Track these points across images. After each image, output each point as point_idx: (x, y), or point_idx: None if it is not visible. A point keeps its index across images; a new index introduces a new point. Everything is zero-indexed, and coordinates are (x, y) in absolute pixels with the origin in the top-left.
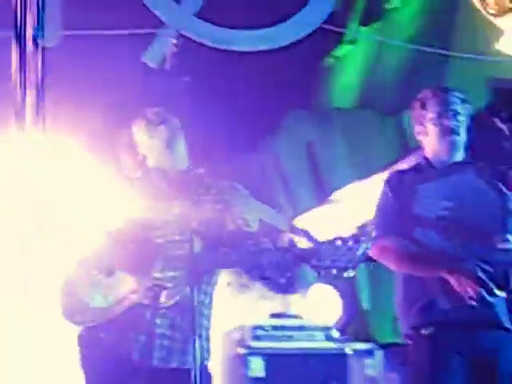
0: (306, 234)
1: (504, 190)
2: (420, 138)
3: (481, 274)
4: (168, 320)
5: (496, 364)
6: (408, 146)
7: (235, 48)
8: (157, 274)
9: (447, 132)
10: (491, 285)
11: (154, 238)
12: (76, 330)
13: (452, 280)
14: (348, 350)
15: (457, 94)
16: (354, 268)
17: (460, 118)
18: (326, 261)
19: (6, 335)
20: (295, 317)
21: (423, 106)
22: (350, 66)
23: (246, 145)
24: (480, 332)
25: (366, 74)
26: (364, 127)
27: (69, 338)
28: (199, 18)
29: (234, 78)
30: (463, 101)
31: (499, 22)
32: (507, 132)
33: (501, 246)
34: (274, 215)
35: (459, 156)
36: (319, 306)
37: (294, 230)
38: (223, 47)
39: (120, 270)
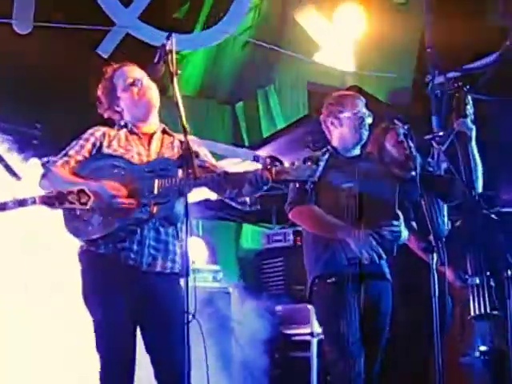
0: (272, 157)
1: (395, 180)
2: (331, 128)
3: (374, 242)
4: (154, 233)
5: (379, 304)
6: (239, 130)
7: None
8: (151, 194)
9: (360, 127)
10: (380, 250)
11: (145, 171)
12: (77, 247)
13: (351, 243)
14: (230, 289)
15: (363, 99)
16: (312, 181)
17: (366, 118)
18: (291, 176)
19: (6, 335)
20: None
21: (341, 105)
22: (194, 62)
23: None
24: (368, 281)
25: (206, 69)
26: (205, 113)
27: (68, 338)
28: (142, 21)
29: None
30: (367, 106)
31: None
32: (405, 131)
33: (387, 228)
34: (237, 150)
35: (359, 149)
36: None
37: (260, 158)
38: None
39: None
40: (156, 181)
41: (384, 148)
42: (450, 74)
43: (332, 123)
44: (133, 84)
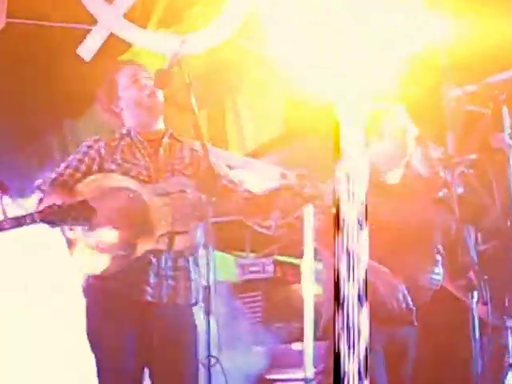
0: (301, 176)
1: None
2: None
3: (406, 292)
4: (172, 261)
5: (405, 351)
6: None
7: (157, 49)
8: (169, 223)
9: (404, 139)
10: (410, 302)
11: (157, 193)
12: (81, 280)
13: (381, 287)
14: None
15: (402, 107)
16: None
17: (410, 129)
18: (327, 199)
19: (6, 335)
20: None
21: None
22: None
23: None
24: (394, 326)
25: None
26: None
27: (68, 338)
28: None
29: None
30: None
31: None
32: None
33: (427, 275)
34: (259, 164)
35: (401, 168)
36: None
37: (288, 177)
38: (147, 48)
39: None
40: (172, 207)
41: (409, 164)
42: (468, 88)
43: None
44: (136, 82)
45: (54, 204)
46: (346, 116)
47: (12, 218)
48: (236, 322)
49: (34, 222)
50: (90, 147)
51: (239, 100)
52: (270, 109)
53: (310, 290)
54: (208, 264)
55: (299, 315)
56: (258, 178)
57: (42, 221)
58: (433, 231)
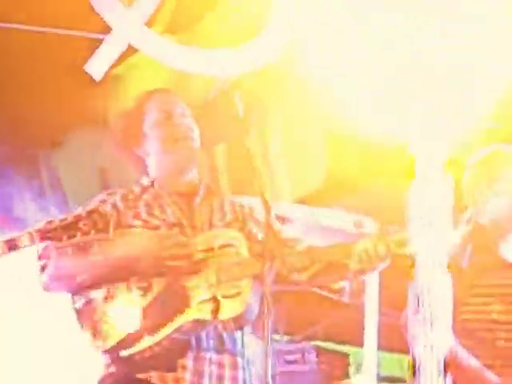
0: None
1: None
2: (482, 199)
3: None
4: (215, 341)
5: None
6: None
7: (180, 67)
8: (212, 285)
9: None
10: None
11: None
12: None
13: None
14: None
15: None
16: None
17: None
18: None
19: (7, 335)
20: None
21: (496, 168)
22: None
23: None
24: None
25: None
26: None
27: (68, 338)
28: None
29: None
30: None
31: None
32: None
33: None
34: (319, 212)
35: None
36: None
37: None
38: (170, 64)
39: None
40: (216, 264)
41: None
42: None
43: (482, 193)
44: (170, 119)
45: (56, 218)
46: (423, 159)
47: (5, 240)
48: None
49: (32, 242)
50: (104, 202)
51: (269, 137)
52: (312, 150)
53: None
54: (267, 349)
55: None
56: (322, 230)
57: (43, 239)
58: None
